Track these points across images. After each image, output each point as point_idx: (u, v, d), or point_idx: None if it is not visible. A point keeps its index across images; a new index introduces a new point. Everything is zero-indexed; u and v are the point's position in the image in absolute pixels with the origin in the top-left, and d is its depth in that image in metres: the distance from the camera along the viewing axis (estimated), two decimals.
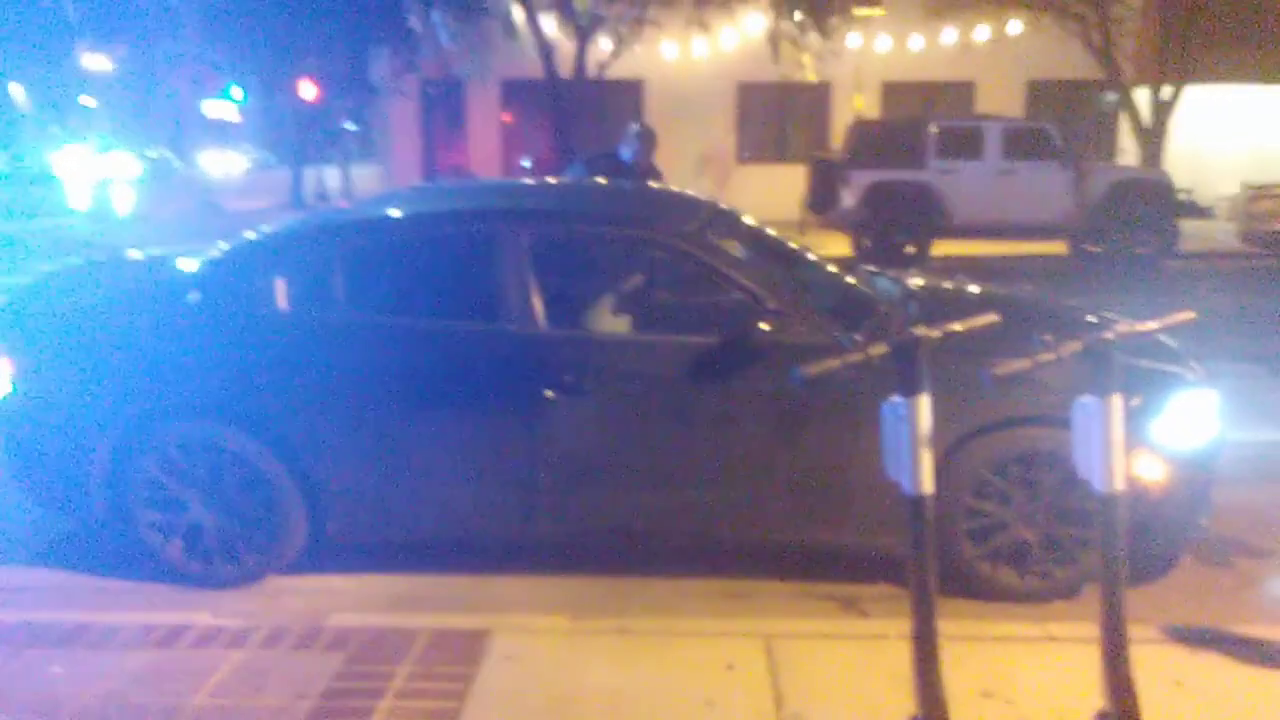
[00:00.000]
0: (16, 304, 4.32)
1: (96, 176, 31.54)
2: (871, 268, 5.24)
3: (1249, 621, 3.57)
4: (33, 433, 4.06)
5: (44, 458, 4.07)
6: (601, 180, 6.28)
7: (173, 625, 3.55)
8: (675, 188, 5.64)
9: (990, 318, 2.54)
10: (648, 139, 6.78)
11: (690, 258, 3.98)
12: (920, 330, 2.26)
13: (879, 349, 2.28)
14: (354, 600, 3.94)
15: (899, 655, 2.52)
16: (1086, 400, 2.27)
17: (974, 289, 4.87)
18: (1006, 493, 3.77)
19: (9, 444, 4.11)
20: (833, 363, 2.29)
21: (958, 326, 2.39)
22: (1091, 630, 2.39)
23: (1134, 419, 3.60)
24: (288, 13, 21.05)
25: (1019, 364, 2.28)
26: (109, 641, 3.45)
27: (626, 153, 6.74)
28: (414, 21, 19.68)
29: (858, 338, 3.78)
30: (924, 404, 2.23)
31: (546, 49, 18.38)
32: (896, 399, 2.25)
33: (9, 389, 4.05)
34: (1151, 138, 17.40)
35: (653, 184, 6.30)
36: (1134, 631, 2.35)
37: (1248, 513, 4.62)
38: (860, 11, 18.31)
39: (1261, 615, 3.80)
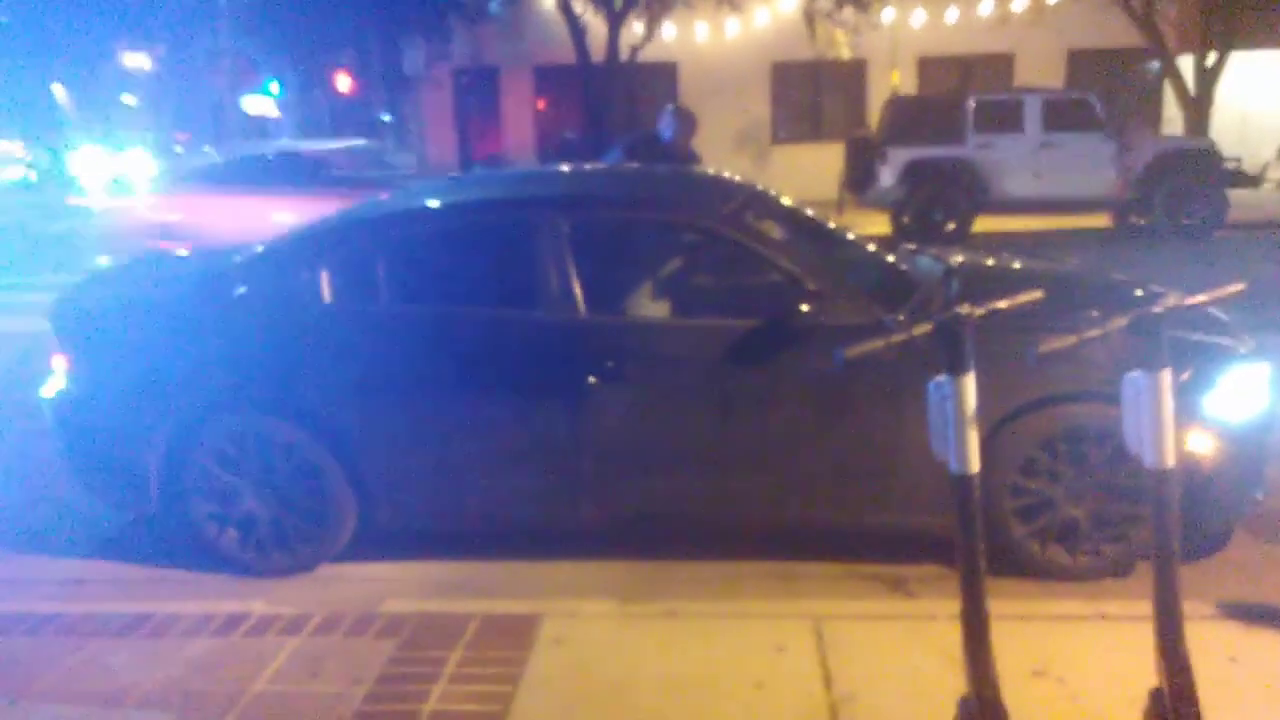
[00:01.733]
0: (70, 300, 4.41)
1: (109, 175, 31.95)
2: (912, 246, 5.20)
3: None
4: (89, 427, 4.16)
5: (100, 452, 4.17)
6: (640, 163, 6.28)
7: (230, 614, 3.63)
8: (712, 170, 5.63)
9: (1035, 294, 2.52)
10: (685, 119, 6.74)
11: (729, 241, 3.99)
12: (964, 308, 2.25)
13: (923, 328, 2.27)
14: (405, 587, 4.00)
15: (949, 635, 2.51)
16: (1135, 375, 2.24)
17: (1017, 265, 4.82)
18: (1055, 470, 3.74)
19: (67, 438, 4.21)
20: (876, 343, 2.28)
21: (1002, 304, 2.37)
22: (1144, 608, 2.37)
23: (1185, 393, 3.57)
24: (321, 6, 21.21)
25: (1064, 340, 2.26)
26: (169, 631, 3.54)
27: (666, 132, 6.72)
28: (444, 8, 19.71)
29: (900, 317, 3.76)
30: (969, 383, 2.22)
31: (579, 33, 18.36)
32: (941, 378, 2.24)
33: (65, 384, 4.15)
34: (1197, 106, 17.04)
35: (690, 167, 6.28)
36: (1188, 607, 2.32)
37: None
38: None
39: None
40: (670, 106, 6.88)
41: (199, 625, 3.56)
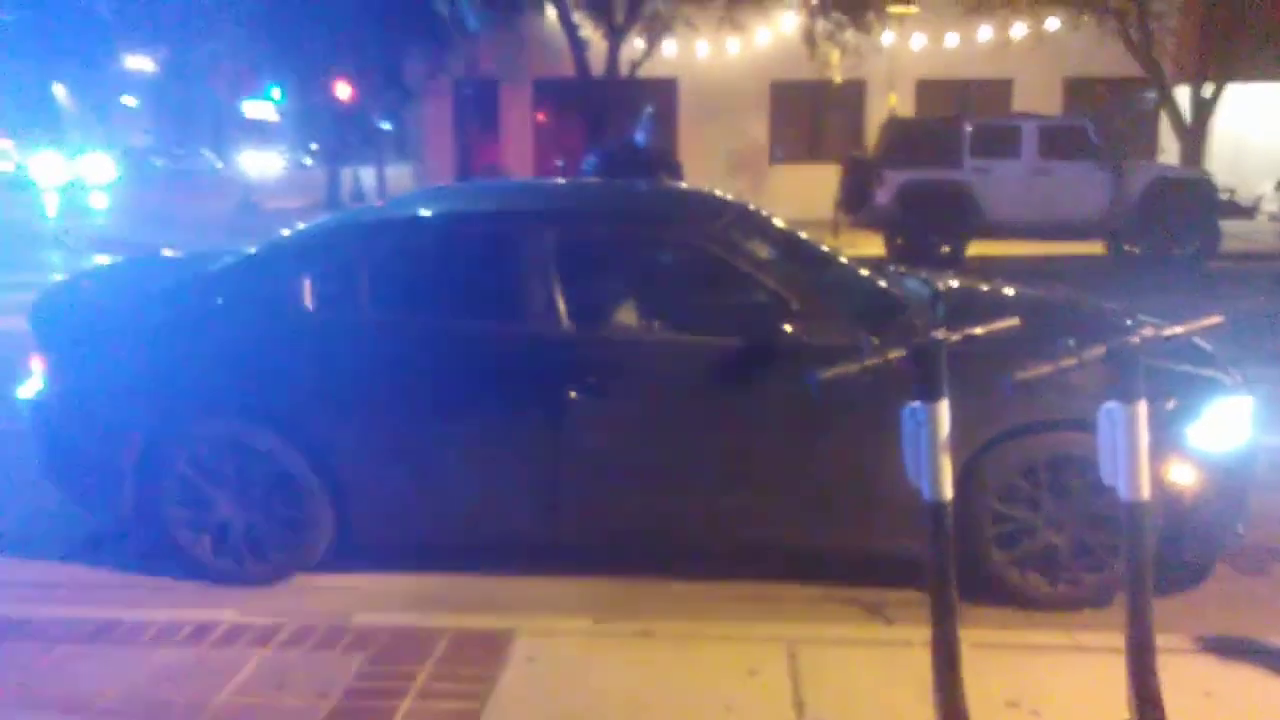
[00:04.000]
0: (49, 302, 4.38)
1: (64, 180, 32.03)
2: (902, 269, 5.19)
3: None
4: (65, 430, 4.12)
5: (75, 455, 4.13)
6: (617, 169, 6.26)
7: (200, 622, 3.58)
8: (704, 188, 5.61)
9: (1011, 321, 2.51)
10: (662, 124, 6.68)
11: (715, 258, 3.97)
12: (939, 334, 2.23)
13: (896, 352, 2.25)
14: (378, 599, 3.96)
15: (923, 662, 2.48)
16: (1112, 406, 2.23)
17: (1007, 291, 4.80)
18: (1036, 498, 3.72)
19: (42, 441, 4.17)
20: (850, 366, 2.26)
21: (978, 330, 2.36)
22: (1121, 639, 2.34)
23: (1168, 424, 3.55)
24: (323, 13, 21.23)
25: (1040, 369, 2.25)
26: (137, 638, 3.49)
27: (640, 136, 6.66)
28: (444, 18, 19.75)
29: (875, 341, 3.74)
30: (943, 409, 2.20)
31: (579, 48, 18.41)
32: (915, 404, 2.22)
33: (42, 386, 4.12)
34: (1192, 136, 17.11)
35: (672, 181, 6.24)
36: (1165, 641, 2.31)
37: None
38: (895, 9, 18.16)
39: None
40: (648, 109, 6.79)
41: (167, 633, 3.51)
